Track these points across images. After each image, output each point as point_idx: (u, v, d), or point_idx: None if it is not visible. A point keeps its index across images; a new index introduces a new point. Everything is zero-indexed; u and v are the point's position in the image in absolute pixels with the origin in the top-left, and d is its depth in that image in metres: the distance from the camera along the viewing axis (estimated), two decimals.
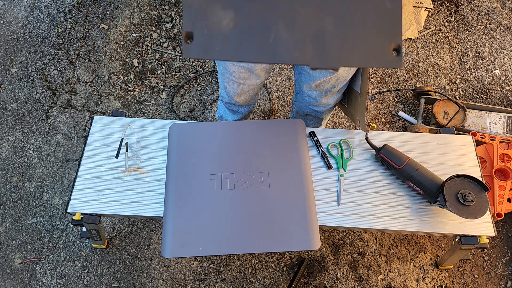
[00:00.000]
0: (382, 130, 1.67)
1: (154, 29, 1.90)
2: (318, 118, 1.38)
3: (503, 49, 1.88)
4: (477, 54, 1.87)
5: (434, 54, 1.87)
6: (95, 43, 1.82)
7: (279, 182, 1.07)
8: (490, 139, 1.45)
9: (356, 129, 1.25)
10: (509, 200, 1.37)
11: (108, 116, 1.29)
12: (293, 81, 1.76)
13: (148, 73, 1.79)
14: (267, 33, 0.38)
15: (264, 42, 0.39)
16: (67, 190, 1.48)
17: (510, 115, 1.59)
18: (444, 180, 1.06)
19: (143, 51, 1.84)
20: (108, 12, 1.91)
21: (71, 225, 1.41)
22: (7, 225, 1.41)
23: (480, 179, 1.16)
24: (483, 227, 1.10)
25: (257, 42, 0.39)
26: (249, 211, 1.03)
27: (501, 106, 1.72)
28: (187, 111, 1.70)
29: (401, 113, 1.70)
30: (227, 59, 0.41)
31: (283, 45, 0.38)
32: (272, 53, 0.39)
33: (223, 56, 0.40)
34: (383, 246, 1.40)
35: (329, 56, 0.38)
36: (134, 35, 1.87)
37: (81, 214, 1.10)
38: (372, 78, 1.79)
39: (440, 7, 2.01)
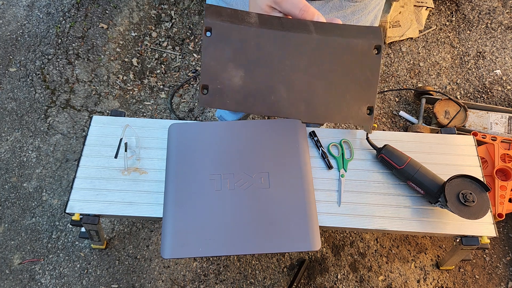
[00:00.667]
0: (383, 130, 1.66)
1: (153, 28, 1.89)
2: None
3: (504, 48, 1.88)
4: (478, 53, 1.86)
5: (435, 53, 1.86)
6: (94, 43, 1.82)
7: (279, 183, 1.06)
8: (491, 139, 1.44)
9: (357, 129, 1.25)
10: (510, 200, 1.36)
11: (107, 116, 1.28)
12: None
13: (148, 73, 1.78)
14: (269, 93, 0.48)
15: (267, 99, 0.48)
16: (66, 190, 1.47)
17: (511, 115, 1.58)
18: (445, 180, 1.05)
19: (142, 51, 1.83)
20: (107, 12, 1.90)
21: (70, 226, 1.40)
22: (6, 225, 1.40)
23: (481, 179, 1.15)
24: (484, 227, 1.09)
25: (261, 99, 0.48)
26: (249, 211, 1.02)
27: (502, 106, 1.71)
28: (187, 110, 1.69)
29: (402, 113, 1.69)
30: (235, 110, 0.49)
31: (282, 103, 0.48)
32: (273, 108, 0.49)
33: (232, 107, 0.49)
34: (383, 246, 1.40)
35: (317, 114, 0.49)
36: (133, 34, 1.87)
37: (80, 214, 1.09)
38: None
39: (441, 7, 2.01)
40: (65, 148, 1.56)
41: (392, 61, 1.85)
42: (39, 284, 1.31)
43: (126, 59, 1.80)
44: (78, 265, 1.34)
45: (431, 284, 1.34)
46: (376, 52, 0.49)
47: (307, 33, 0.48)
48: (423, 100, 1.66)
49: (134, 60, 1.80)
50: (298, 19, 0.49)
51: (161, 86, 1.75)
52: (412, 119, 1.67)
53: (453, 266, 1.36)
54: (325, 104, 0.49)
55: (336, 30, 0.49)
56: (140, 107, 1.69)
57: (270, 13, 0.50)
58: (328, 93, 0.49)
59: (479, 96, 1.75)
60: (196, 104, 1.70)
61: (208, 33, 0.47)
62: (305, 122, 0.50)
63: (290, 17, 0.51)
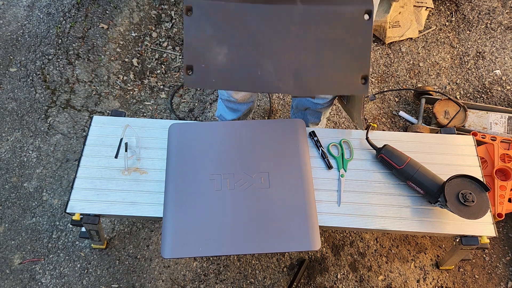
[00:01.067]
0: (383, 130, 1.67)
1: (153, 28, 1.90)
2: (317, 112, 1.37)
3: (503, 48, 1.88)
4: (478, 53, 1.86)
5: (435, 53, 1.87)
6: (95, 43, 1.82)
7: (279, 182, 1.06)
8: (491, 139, 1.44)
9: (356, 129, 1.25)
10: (509, 200, 1.36)
11: (108, 116, 1.29)
12: None
13: (148, 73, 1.78)
14: (255, 68, 0.46)
15: (253, 75, 0.46)
16: (66, 190, 1.47)
17: (511, 115, 1.58)
18: (445, 180, 1.05)
19: (143, 51, 1.84)
20: (107, 12, 1.90)
21: (71, 226, 1.40)
22: (6, 225, 1.40)
23: (481, 179, 1.15)
24: (483, 227, 1.10)
25: (248, 75, 0.46)
26: (249, 211, 1.02)
27: (502, 106, 1.72)
28: (187, 111, 1.70)
29: (401, 113, 1.70)
30: (221, 88, 0.49)
31: (269, 78, 0.46)
32: (260, 84, 0.47)
33: (218, 86, 0.48)
34: (383, 246, 1.40)
35: (307, 87, 0.47)
36: (133, 34, 1.87)
37: (81, 214, 1.09)
38: (372, 77, 1.79)
39: (441, 7, 2.01)
40: (65, 148, 1.56)
41: (392, 61, 1.85)
42: (39, 284, 1.31)
43: (126, 59, 1.81)
44: (79, 265, 1.34)
45: (430, 284, 1.34)
46: (367, 17, 0.47)
47: (291, 4, 0.46)
48: (423, 100, 1.66)
49: (135, 60, 1.81)
50: None
51: (161, 86, 1.75)
52: (412, 119, 1.67)
53: (453, 266, 1.36)
54: (315, 76, 0.47)
55: None
56: (140, 107, 1.69)
57: None
58: (318, 64, 0.47)
59: (478, 96, 1.75)
60: (196, 104, 1.71)
61: (189, 13, 0.46)
62: (295, 96, 0.47)
63: None
